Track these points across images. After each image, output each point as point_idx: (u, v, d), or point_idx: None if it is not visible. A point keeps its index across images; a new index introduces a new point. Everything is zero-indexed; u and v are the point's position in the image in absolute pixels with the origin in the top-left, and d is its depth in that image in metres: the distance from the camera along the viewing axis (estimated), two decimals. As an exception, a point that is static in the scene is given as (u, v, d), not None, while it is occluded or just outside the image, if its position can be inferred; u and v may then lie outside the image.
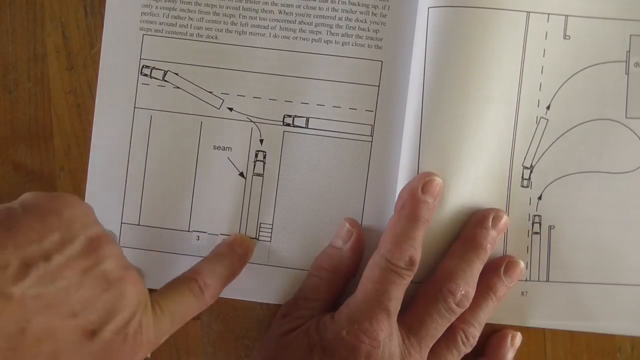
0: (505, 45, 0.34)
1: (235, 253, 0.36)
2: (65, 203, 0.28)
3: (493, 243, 0.34)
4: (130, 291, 0.29)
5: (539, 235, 0.36)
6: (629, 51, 0.36)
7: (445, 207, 0.34)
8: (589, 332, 0.37)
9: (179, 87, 0.37)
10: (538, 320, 0.36)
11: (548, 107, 0.36)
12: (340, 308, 0.33)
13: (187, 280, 0.33)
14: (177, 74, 0.37)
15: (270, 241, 0.37)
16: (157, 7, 0.37)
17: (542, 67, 0.36)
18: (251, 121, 0.37)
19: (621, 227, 0.36)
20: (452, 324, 0.33)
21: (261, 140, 0.37)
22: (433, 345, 0.33)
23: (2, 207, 0.27)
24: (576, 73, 0.36)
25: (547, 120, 0.36)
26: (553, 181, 0.36)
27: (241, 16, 0.37)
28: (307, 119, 0.37)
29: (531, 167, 0.36)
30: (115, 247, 0.29)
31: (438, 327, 0.33)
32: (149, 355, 0.30)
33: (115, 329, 0.28)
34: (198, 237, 0.37)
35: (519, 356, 0.36)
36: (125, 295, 0.28)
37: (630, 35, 0.36)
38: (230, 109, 0.37)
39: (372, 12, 0.36)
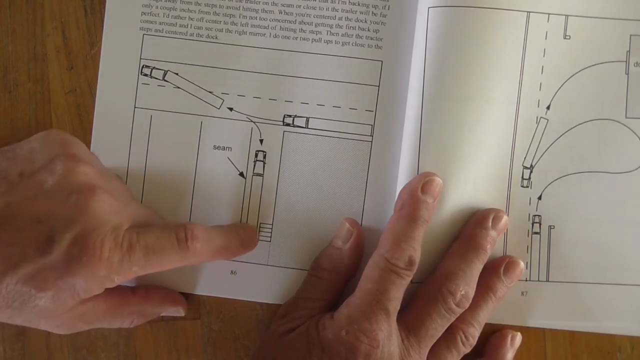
0: (506, 45, 0.34)
1: (237, 234, 0.35)
2: (50, 133, 0.34)
3: (493, 243, 0.34)
4: (95, 207, 0.30)
5: (538, 235, 0.36)
6: (629, 51, 0.36)
7: (445, 207, 0.34)
8: (589, 332, 0.37)
9: (179, 87, 0.37)
10: (538, 320, 0.36)
11: (548, 107, 0.36)
12: (340, 308, 0.33)
13: (175, 225, 0.33)
14: (177, 74, 0.37)
15: (270, 241, 0.37)
16: (157, 7, 0.37)
17: (542, 67, 0.35)
18: (251, 121, 0.37)
19: (621, 227, 0.36)
20: (451, 324, 0.33)
21: (261, 140, 0.37)
22: (432, 346, 0.33)
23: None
24: (576, 73, 0.36)
25: (547, 120, 0.36)
26: (553, 181, 0.36)
27: (241, 16, 0.37)
28: (307, 119, 0.37)
29: (531, 167, 0.36)
30: (90, 168, 0.32)
31: (437, 328, 0.33)
32: (115, 280, 0.30)
33: (71, 237, 0.29)
34: (198, 237, 0.37)
35: (519, 356, 0.36)
36: (88, 210, 0.30)
37: (630, 35, 0.36)
38: (230, 109, 0.37)
39: (372, 12, 0.36)
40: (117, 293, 0.33)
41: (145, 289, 0.35)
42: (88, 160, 0.33)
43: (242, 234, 0.36)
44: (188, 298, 0.37)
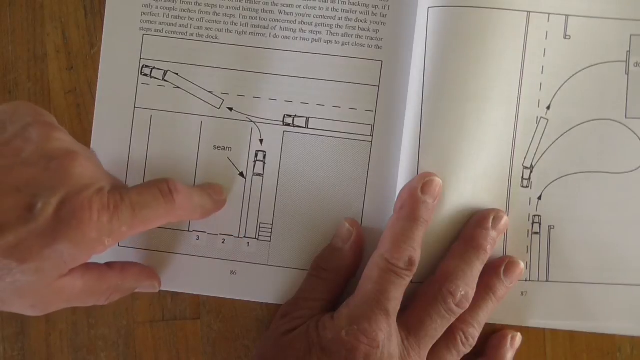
0: (506, 45, 0.34)
1: (208, 193, 0.35)
2: (21, 104, 0.32)
3: (493, 244, 0.34)
4: (77, 171, 0.30)
5: (538, 235, 0.36)
6: (629, 51, 0.36)
7: (445, 207, 0.34)
8: (589, 332, 0.37)
9: (179, 87, 0.37)
10: (538, 320, 0.36)
11: (548, 107, 0.36)
12: (340, 308, 0.33)
13: (156, 180, 0.32)
14: (177, 74, 0.37)
15: (270, 241, 0.37)
16: (157, 7, 0.37)
17: (543, 67, 0.35)
18: (251, 121, 0.37)
19: (621, 227, 0.36)
20: (451, 324, 0.33)
21: (261, 140, 0.37)
22: (432, 346, 0.33)
23: None
24: (576, 73, 0.36)
25: (547, 120, 0.36)
26: (553, 181, 0.36)
27: (241, 16, 0.37)
28: (307, 119, 0.37)
29: (531, 167, 0.36)
30: (65, 134, 0.31)
31: (437, 328, 0.33)
32: (106, 243, 0.29)
33: (57, 201, 0.28)
34: (198, 237, 0.37)
35: (519, 356, 0.36)
36: (71, 174, 0.29)
37: (630, 35, 0.36)
38: (230, 109, 0.37)
39: (372, 12, 0.36)
40: (94, 268, 0.32)
41: (120, 264, 0.34)
42: (53, 125, 0.32)
43: (213, 193, 0.36)
44: (188, 298, 0.37)
